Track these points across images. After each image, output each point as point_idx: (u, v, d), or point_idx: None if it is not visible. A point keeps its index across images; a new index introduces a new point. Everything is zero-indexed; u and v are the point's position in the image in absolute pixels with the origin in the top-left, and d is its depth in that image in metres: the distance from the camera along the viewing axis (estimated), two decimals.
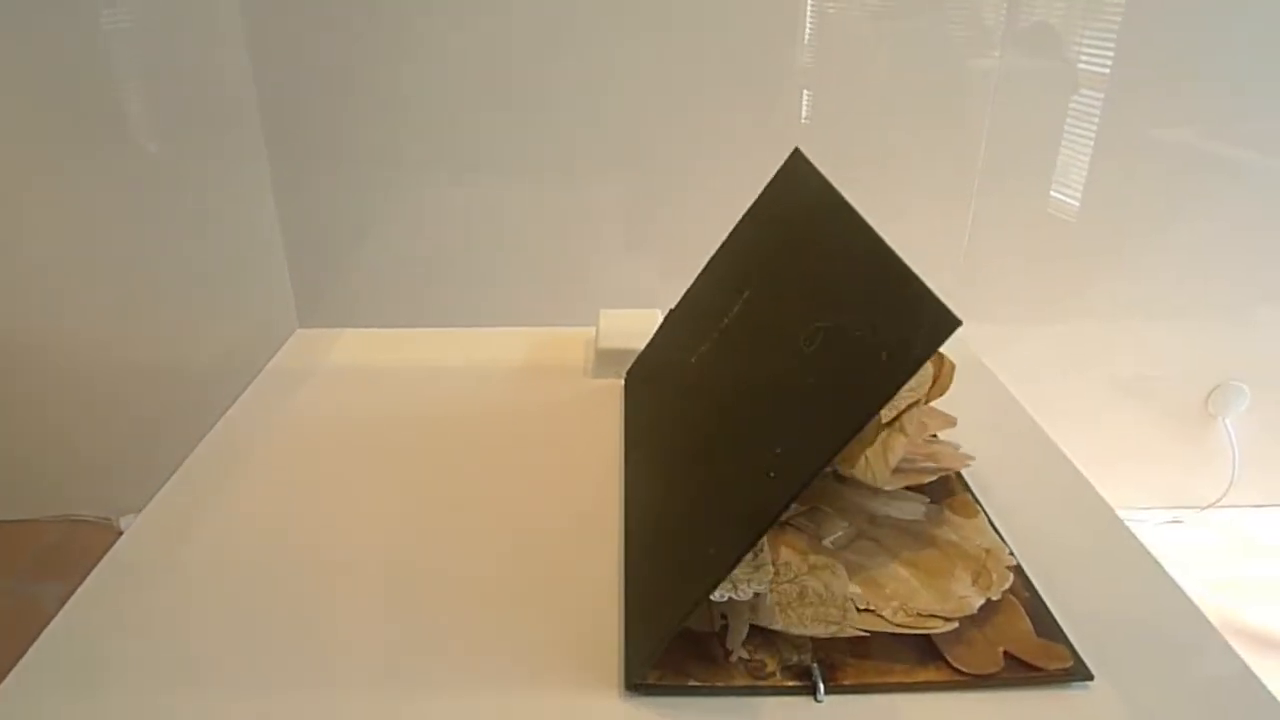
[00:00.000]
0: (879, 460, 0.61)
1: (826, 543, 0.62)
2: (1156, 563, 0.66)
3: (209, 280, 1.21)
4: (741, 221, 0.76)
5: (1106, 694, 0.54)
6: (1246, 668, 0.56)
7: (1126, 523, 0.70)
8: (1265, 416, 1.59)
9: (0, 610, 1.31)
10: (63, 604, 0.62)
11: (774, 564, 0.58)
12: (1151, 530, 1.63)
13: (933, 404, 0.70)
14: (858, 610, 0.57)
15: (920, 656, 0.55)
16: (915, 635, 0.56)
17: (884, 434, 0.62)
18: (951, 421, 0.71)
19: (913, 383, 0.63)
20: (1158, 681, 0.55)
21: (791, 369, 0.56)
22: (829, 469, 0.70)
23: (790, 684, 0.54)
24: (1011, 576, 0.60)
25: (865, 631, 0.55)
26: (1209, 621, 0.60)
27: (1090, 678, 0.54)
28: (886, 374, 0.47)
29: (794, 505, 0.63)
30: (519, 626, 0.59)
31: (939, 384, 0.67)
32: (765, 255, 0.71)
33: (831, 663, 0.55)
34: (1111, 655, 0.56)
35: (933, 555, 0.63)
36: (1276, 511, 1.70)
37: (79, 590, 0.63)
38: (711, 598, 0.53)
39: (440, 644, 0.58)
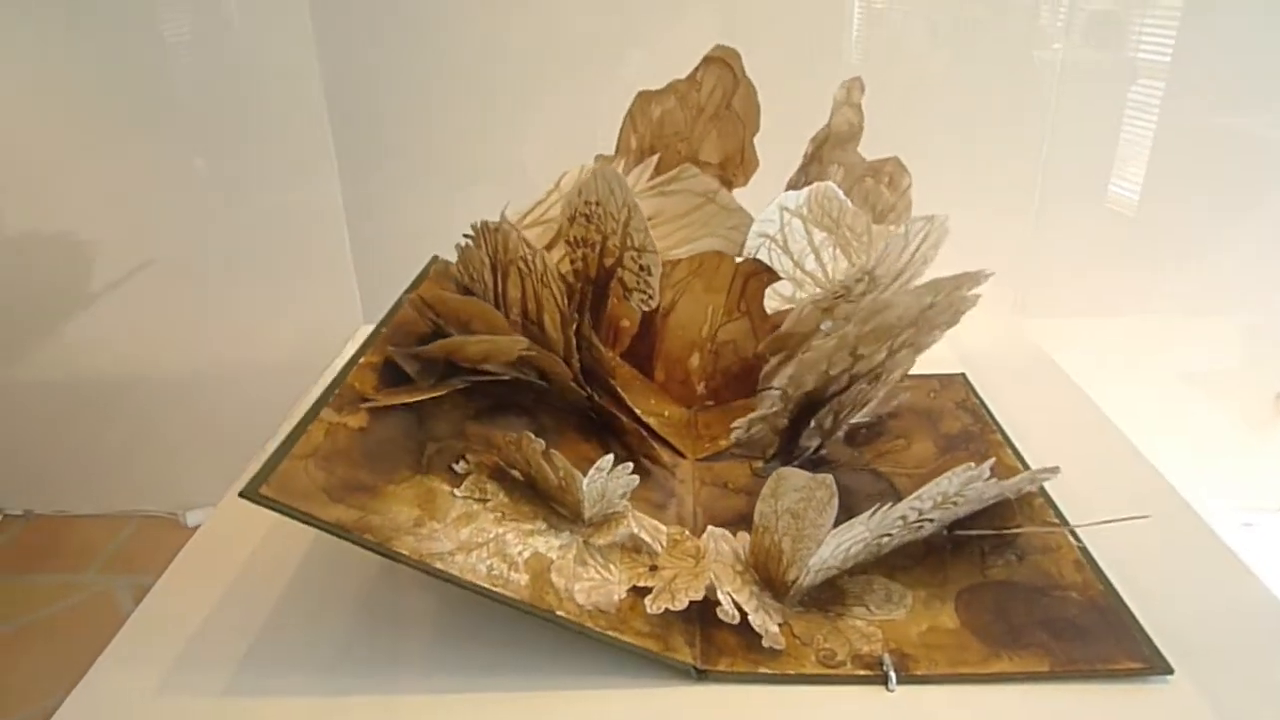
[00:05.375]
0: None
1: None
2: (1240, 561, 0.64)
3: (276, 278, 1.24)
4: None
5: (1186, 689, 0.53)
6: None
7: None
8: None
9: (78, 603, 1.35)
10: (135, 596, 0.63)
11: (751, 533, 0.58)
12: (1223, 533, 1.58)
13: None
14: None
15: (994, 648, 0.55)
16: (988, 627, 0.56)
17: None
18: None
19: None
20: (1241, 678, 0.54)
21: None
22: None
23: (861, 673, 0.54)
24: None
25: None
26: None
27: (1170, 671, 0.53)
28: None
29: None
30: None
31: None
32: None
33: (903, 653, 0.55)
34: (1192, 650, 0.55)
35: None
36: None
37: (157, 584, 0.65)
38: (650, 610, 0.54)
39: (521, 633, 0.59)
